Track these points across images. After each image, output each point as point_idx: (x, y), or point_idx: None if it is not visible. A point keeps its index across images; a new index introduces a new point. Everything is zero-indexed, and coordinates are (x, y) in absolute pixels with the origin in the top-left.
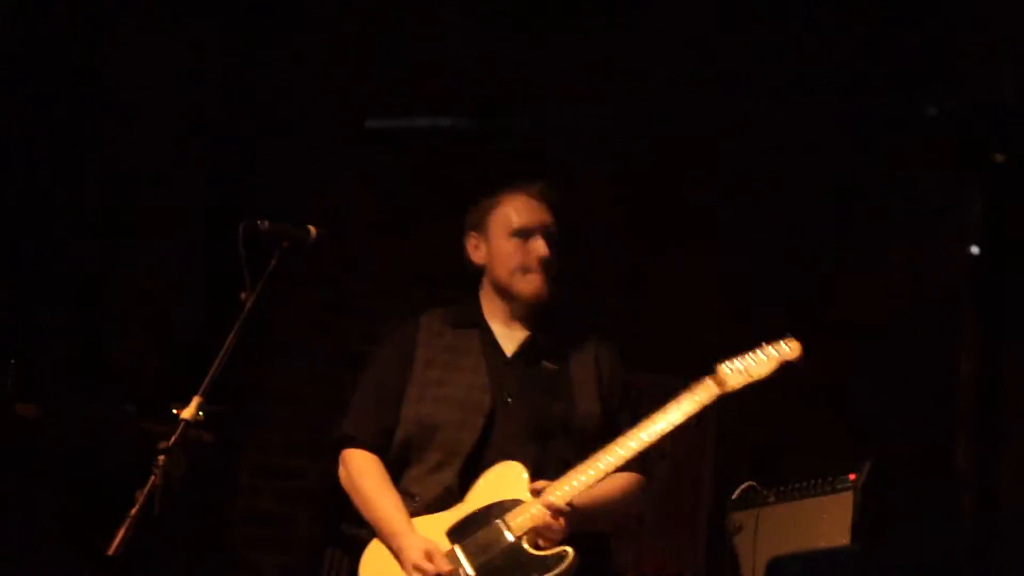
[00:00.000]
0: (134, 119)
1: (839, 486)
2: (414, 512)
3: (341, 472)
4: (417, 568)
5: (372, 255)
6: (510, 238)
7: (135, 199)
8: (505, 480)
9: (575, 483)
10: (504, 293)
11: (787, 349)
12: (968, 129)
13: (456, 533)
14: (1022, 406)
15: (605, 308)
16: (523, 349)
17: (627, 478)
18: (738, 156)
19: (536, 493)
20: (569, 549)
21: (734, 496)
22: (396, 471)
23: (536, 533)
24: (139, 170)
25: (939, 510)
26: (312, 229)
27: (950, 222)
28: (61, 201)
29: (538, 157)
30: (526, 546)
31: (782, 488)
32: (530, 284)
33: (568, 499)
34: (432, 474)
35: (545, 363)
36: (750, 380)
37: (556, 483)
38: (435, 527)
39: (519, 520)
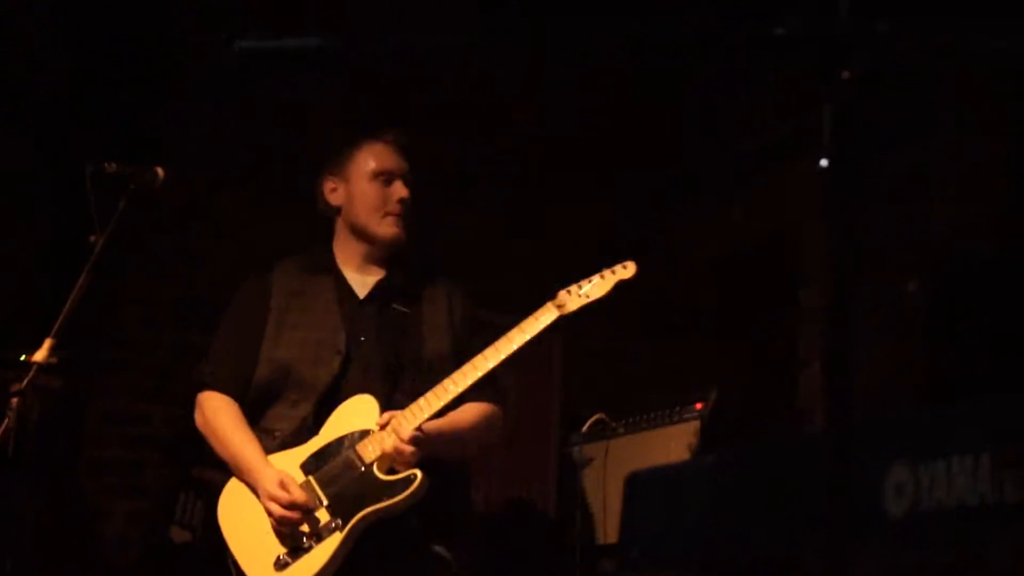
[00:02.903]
0: None
1: (686, 415)
2: (270, 450)
3: (197, 416)
4: (272, 497)
5: (220, 199)
6: (371, 181)
7: None
8: (356, 412)
9: (422, 408)
10: (362, 235)
11: (624, 269)
12: (816, 48)
13: (309, 465)
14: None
15: (456, 247)
16: (375, 292)
17: (481, 408)
18: (589, 85)
19: (385, 424)
20: (418, 472)
21: (583, 429)
22: (257, 411)
23: (387, 460)
24: None
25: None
26: (160, 171)
27: (795, 152)
28: None
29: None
30: (377, 473)
31: (631, 419)
32: (390, 227)
33: (416, 424)
34: (290, 411)
35: (396, 306)
36: (588, 300)
37: (404, 411)
38: (290, 461)
39: (369, 448)
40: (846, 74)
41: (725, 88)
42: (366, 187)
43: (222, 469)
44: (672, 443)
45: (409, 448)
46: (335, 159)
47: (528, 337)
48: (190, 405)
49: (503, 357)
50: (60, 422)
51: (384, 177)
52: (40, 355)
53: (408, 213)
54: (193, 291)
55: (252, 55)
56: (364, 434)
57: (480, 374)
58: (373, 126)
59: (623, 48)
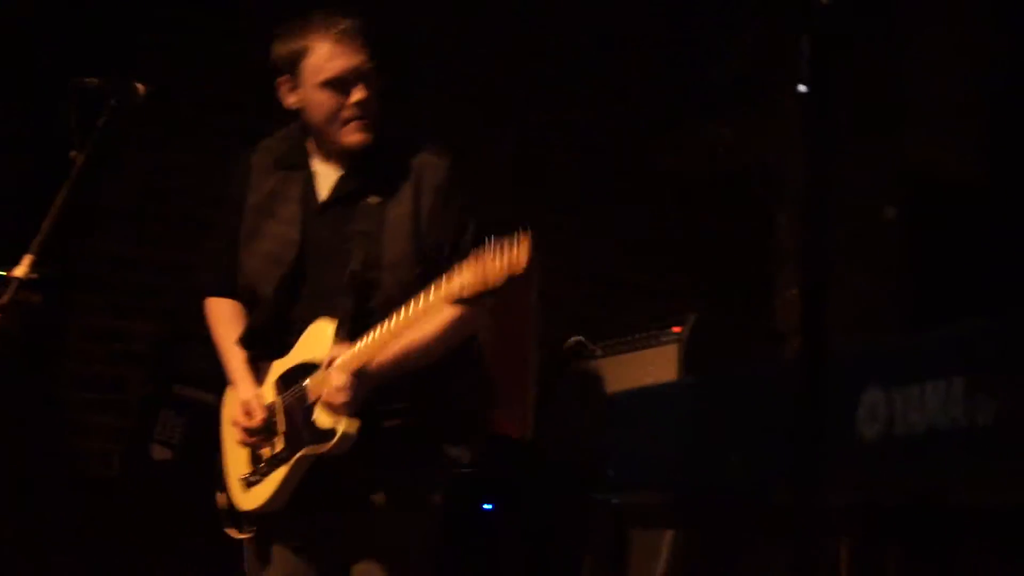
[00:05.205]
0: None
1: (664, 338)
2: (256, 357)
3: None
4: (235, 422)
5: (202, 115)
6: (323, 88)
7: None
8: (316, 338)
9: (364, 350)
10: (321, 138)
11: (518, 260)
12: None
13: (280, 386)
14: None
15: None
16: (335, 193)
17: (443, 314)
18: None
19: (329, 363)
20: (340, 428)
21: (562, 350)
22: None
23: (323, 401)
24: None
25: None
26: (140, 86)
27: (775, 79)
28: None
29: None
30: (316, 415)
31: (609, 342)
32: (350, 134)
33: (352, 368)
34: (248, 330)
35: (361, 202)
36: (484, 289)
37: (350, 352)
38: (272, 374)
39: (313, 387)
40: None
41: (705, 13)
42: (318, 95)
43: (204, 387)
44: (650, 366)
45: (338, 399)
46: (284, 56)
47: (425, 314)
48: (172, 320)
49: (403, 329)
50: (41, 338)
51: (336, 84)
52: (20, 271)
53: (371, 113)
54: (175, 207)
55: None
56: (315, 367)
57: (392, 338)
58: (323, 14)
59: None
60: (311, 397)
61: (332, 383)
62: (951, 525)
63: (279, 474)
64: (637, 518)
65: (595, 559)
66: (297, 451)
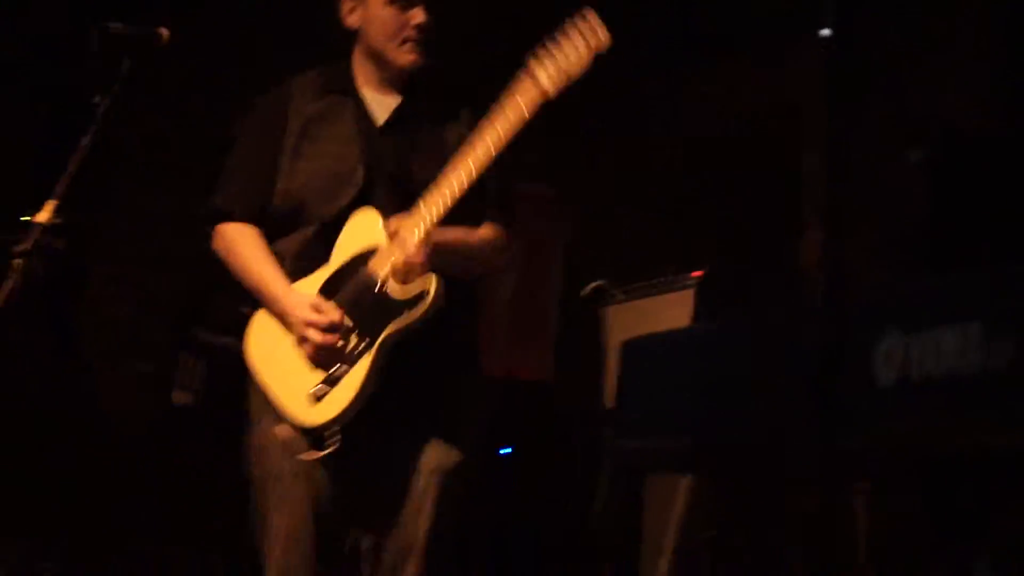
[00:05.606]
0: None
1: (685, 283)
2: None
3: (217, 245)
4: (309, 323)
5: (225, 62)
6: (387, 5)
7: None
8: (362, 228)
9: (425, 212)
10: (378, 59)
11: (594, 34)
12: None
13: (328, 290)
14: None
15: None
16: (395, 116)
17: (490, 228)
18: None
19: (393, 235)
20: (431, 284)
21: (583, 295)
22: (269, 243)
23: (399, 274)
24: None
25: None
26: (163, 32)
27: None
28: None
29: None
30: (392, 288)
31: (630, 286)
32: (406, 54)
33: (422, 228)
34: (302, 245)
35: (418, 128)
36: (568, 80)
37: (408, 219)
38: (308, 288)
39: (380, 265)
40: None
41: None
42: (382, 12)
43: (223, 331)
44: (671, 310)
45: (418, 258)
46: None
47: (514, 124)
48: (194, 266)
49: (495, 149)
50: (64, 283)
51: (401, 2)
52: (43, 216)
53: (428, 38)
54: (195, 157)
55: None
56: (374, 250)
57: (475, 170)
58: None
59: None
60: (381, 276)
61: (408, 246)
62: (968, 470)
63: (361, 368)
64: (654, 463)
65: (611, 504)
66: (380, 334)
